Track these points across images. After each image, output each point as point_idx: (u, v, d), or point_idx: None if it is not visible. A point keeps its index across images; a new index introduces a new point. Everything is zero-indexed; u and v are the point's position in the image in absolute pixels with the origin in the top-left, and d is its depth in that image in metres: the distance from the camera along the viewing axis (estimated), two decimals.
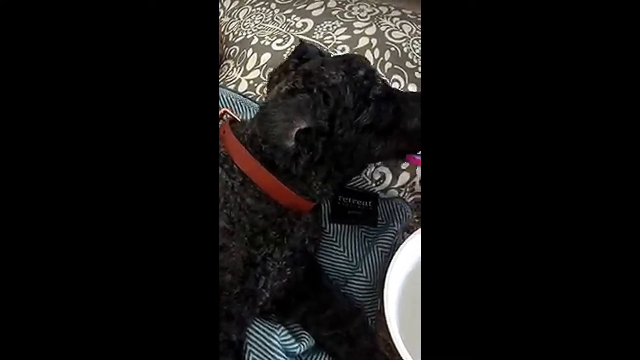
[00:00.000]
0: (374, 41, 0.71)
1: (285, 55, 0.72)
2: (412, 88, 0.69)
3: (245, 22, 0.83)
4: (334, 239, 0.61)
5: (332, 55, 0.59)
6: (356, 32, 0.74)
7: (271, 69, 0.71)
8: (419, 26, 0.76)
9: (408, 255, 0.52)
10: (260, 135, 0.47)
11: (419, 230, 0.53)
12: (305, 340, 0.51)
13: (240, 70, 0.75)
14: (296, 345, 0.50)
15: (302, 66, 0.52)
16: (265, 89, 0.66)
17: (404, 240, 0.54)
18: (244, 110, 0.67)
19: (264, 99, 0.68)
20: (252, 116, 0.65)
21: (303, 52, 0.55)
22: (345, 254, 0.60)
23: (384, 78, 0.56)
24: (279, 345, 0.48)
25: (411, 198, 0.68)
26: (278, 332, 0.49)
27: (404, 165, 0.67)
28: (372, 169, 0.67)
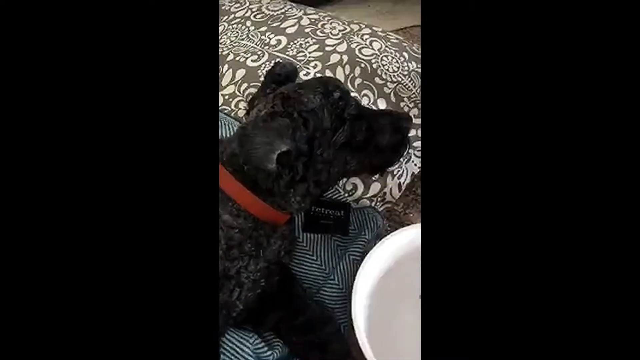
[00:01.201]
0: (345, 58, 0.75)
1: (259, 71, 0.74)
2: (381, 102, 0.73)
3: (221, 38, 0.85)
4: (308, 248, 0.63)
5: (308, 79, 0.61)
6: (328, 48, 0.77)
7: (246, 85, 0.74)
8: (388, 43, 0.80)
9: (376, 262, 0.54)
10: (241, 156, 0.49)
11: (387, 238, 0.55)
12: (278, 348, 0.52)
13: None
14: (269, 353, 0.51)
15: (280, 89, 0.54)
16: (244, 115, 0.68)
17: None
18: (220, 125, 0.69)
19: (241, 117, 0.70)
20: (227, 132, 0.67)
21: (280, 72, 0.58)
22: (319, 262, 0.61)
23: (356, 98, 0.59)
24: (251, 353, 0.49)
25: (382, 207, 0.71)
26: (251, 341, 0.50)
27: (375, 176, 0.69)
28: (345, 180, 0.69)
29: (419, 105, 0.75)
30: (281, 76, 0.58)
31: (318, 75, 0.73)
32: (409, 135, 0.71)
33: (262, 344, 0.51)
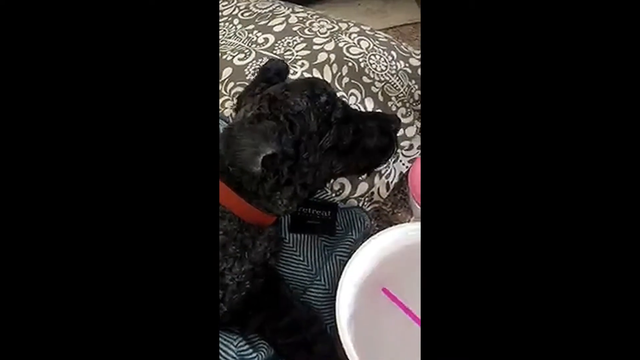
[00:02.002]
0: (333, 56, 0.74)
1: (246, 70, 0.73)
2: (369, 102, 0.72)
3: None
4: (294, 249, 0.62)
5: (295, 79, 0.61)
6: (316, 47, 0.76)
7: (232, 84, 0.73)
8: (376, 42, 0.79)
9: (361, 263, 0.54)
10: (227, 157, 0.48)
11: (372, 237, 0.55)
12: (263, 349, 0.52)
13: None
14: (254, 355, 0.50)
15: (267, 90, 0.54)
16: (231, 115, 0.67)
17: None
18: None
19: (227, 116, 0.69)
20: None
21: (270, 70, 0.57)
22: (305, 263, 0.61)
23: (343, 100, 0.59)
24: (235, 355, 0.49)
25: (370, 207, 0.71)
26: (235, 343, 0.50)
27: (363, 176, 0.69)
28: (332, 180, 0.69)
29: (407, 104, 0.75)
30: (271, 72, 0.58)
31: (305, 74, 0.72)
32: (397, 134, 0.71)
33: (247, 345, 0.51)
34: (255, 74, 0.60)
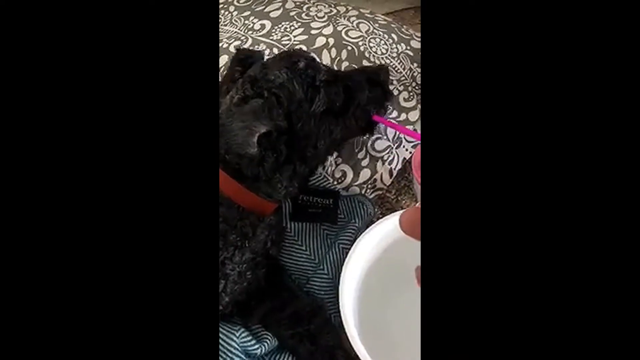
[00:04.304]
0: (331, 40, 0.72)
1: None
2: None
3: None
4: (296, 238, 0.61)
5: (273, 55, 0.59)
6: (313, 32, 0.74)
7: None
8: (376, 25, 0.77)
9: (363, 251, 0.52)
10: (221, 147, 0.47)
11: (374, 225, 0.53)
12: (267, 341, 0.51)
13: None
14: (257, 346, 0.49)
15: (247, 73, 0.52)
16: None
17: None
18: None
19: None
20: None
21: (244, 57, 0.56)
22: (308, 252, 0.60)
23: (324, 64, 0.57)
24: (237, 347, 0.48)
25: (373, 194, 0.69)
26: (237, 334, 0.49)
27: (365, 162, 0.67)
28: (334, 167, 0.67)
29: (409, 88, 0.73)
30: (241, 59, 0.56)
31: None
32: (400, 119, 0.69)
33: (250, 337, 0.50)
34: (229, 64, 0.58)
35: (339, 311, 0.47)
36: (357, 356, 0.43)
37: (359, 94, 0.53)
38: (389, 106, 0.58)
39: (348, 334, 0.45)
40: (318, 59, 0.54)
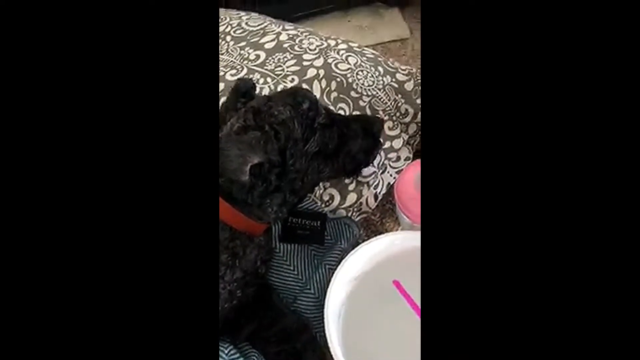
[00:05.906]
0: (322, 72, 0.77)
1: None
2: None
3: None
4: (285, 258, 0.64)
5: (278, 91, 0.63)
6: (305, 63, 0.79)
7: (224, 98, 0.75)
8: (364, 58, 0.82)
9: (348, 271, 0.55)
10: None
11: (359, 247, 0.57)
12: (254, 358, 0.53)
13: None
14: None
15: (250, 103, 0.56)
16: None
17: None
18: None
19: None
20: None
21: (243, 89, 0.60)
22: (295, 272, 0.62)
23: (325, 106, 0.61)
24: None
25: (359, 217, 0.72)
26: (226, 352, 0.51)
27: (351, 187, 0.71)
28: (322, 191, 0.71)
29: (393, 117, 0.77)
30: (242, 90, 0.60)
31: None
32: (384, 147, 0.74)
33: (238, 354, 0.52)
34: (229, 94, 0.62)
35: (324, 330, 0.50)
36: None
37: (351, 142, 0.58)
38: (376, 154, 0.62)
39: (332, 353, 0.47)
40: (322, 101, 0.58)
